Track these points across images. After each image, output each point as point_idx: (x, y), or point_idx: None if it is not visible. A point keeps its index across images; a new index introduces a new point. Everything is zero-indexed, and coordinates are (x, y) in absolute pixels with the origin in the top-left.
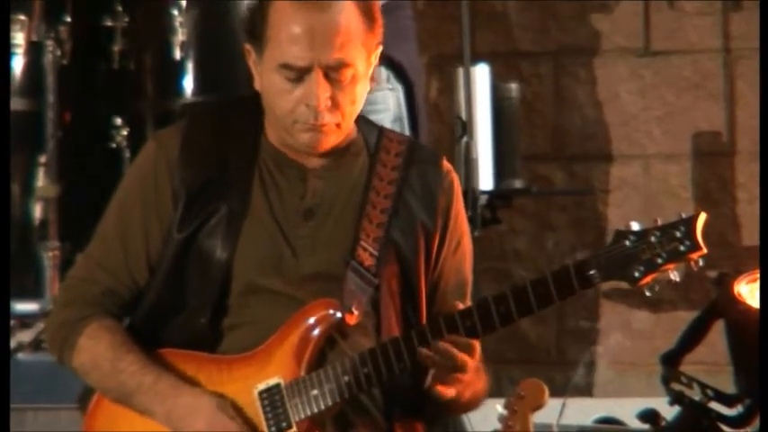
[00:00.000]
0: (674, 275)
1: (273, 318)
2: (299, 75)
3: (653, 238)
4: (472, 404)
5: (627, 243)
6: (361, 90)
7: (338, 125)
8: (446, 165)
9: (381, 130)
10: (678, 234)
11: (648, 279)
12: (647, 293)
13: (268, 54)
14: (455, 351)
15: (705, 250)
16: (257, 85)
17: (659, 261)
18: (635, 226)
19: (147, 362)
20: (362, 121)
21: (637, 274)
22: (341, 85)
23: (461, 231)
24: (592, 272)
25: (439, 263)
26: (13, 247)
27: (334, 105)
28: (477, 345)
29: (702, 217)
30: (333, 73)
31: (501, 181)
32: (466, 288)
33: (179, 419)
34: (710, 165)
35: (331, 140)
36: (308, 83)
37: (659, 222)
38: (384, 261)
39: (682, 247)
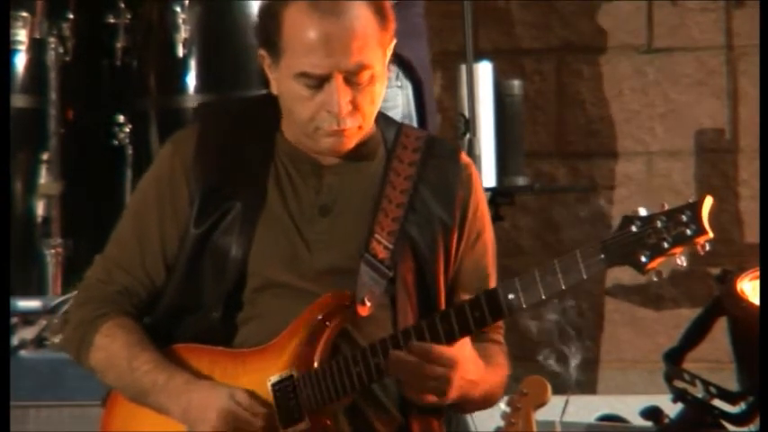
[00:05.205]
0: (681, 260)
1: (288, 311)
2: (318, 82)
3: (659, 223)
4: (490, 400)
5: (633, 228)
6: (380, 89)
7: (360, 127)
8: (464, 158)
9: (400, 127)
10: (684, 218)
11: (655, 264)
12: (654, 279)
13: (285, 63)
14: (426, 366)
15: (711, 234)
16: (274, 90)
17: (665, 245)
18: (642, 212)
19: (160, 360)
20: (382, 117)
21: (644, 259)
22: (360, 88)
23: (482, 225)
24: (599, 257)
25: (458, 257)
26: (16, 245)
27: (355, 108)
28: (452, 353)
29: (708, 201)
30: (352, 77)
31: (504, 178)
32: (488, 282)
33: (194, 416)
34: (713, 162)
35: (353, 142)
36: (329, 89)
37: (666, 207)
38: (399, 255)
39: (688, 231)
